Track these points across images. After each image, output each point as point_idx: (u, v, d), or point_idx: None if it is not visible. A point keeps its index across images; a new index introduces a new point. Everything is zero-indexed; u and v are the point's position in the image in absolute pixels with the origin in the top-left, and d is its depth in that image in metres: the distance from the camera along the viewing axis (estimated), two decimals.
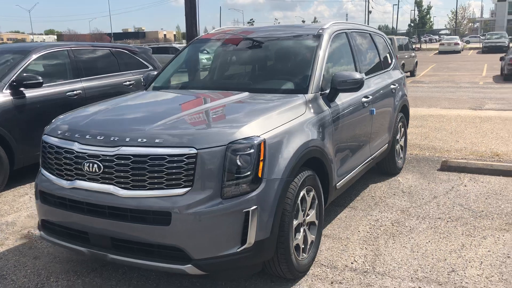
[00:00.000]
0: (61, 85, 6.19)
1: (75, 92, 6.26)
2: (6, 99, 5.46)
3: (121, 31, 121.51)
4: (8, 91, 5.51)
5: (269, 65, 4.40)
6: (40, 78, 5.63)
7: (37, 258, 3.80)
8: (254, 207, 2.81)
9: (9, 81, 5.55)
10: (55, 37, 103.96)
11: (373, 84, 4.92)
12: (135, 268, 3.51)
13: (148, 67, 7.68)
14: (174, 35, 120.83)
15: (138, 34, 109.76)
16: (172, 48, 28.83)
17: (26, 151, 5.62)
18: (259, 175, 2.86)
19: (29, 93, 5.69)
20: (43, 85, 5.77)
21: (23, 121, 5.60)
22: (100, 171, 2.89)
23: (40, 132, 5.65)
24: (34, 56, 6.03)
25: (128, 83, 7.15)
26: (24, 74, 5.67)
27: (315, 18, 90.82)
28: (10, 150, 5.45)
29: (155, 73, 4.75)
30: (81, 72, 6.50)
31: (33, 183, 5.70)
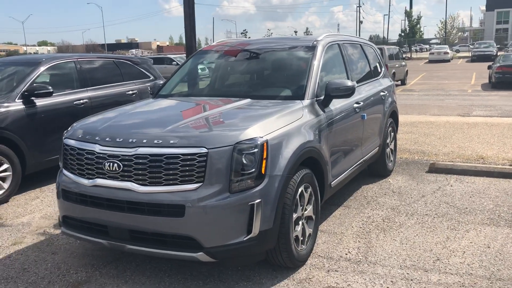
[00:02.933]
0: (69, 94, 6.52)
1: (81, 101, 6.58)
2: (19, 108, 5.78)
3: (115, 42, 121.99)
4: (20, 100, 5.83)
5: (268, 74, 4.76)
6: (50, 88, 5.97)
7: (55, 253, 4.10)
8: (258, 200, 3.14)
9: (21, 91, 5.88)
10: (49, 48, 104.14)
11: (364, 91, 5.28)
12: (148, 259, 3.83)
13: (149, 77, 8.02)
14: (168, 45, 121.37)
15: (131, 45, 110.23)
16: (167, 59, 29.28)
17: (37, 157, 5.93)
18: (263, 171, 3.20)
19: (39, 102, 6.02)
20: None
21: (34, 128, 5.91)
22: (120, 170, 3.22)
23: (49, 139, 6.02)
24: (43, 68, 6.35)
25: (131, 92, 7.48)
26: (35, 84, 6.00)
27: (307, 28, 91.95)
28: (22, 156, 5.75)
29: (160, 82, 5.08)
30: (87, 82, 6.83)
31: (43, 187, 6.05)
